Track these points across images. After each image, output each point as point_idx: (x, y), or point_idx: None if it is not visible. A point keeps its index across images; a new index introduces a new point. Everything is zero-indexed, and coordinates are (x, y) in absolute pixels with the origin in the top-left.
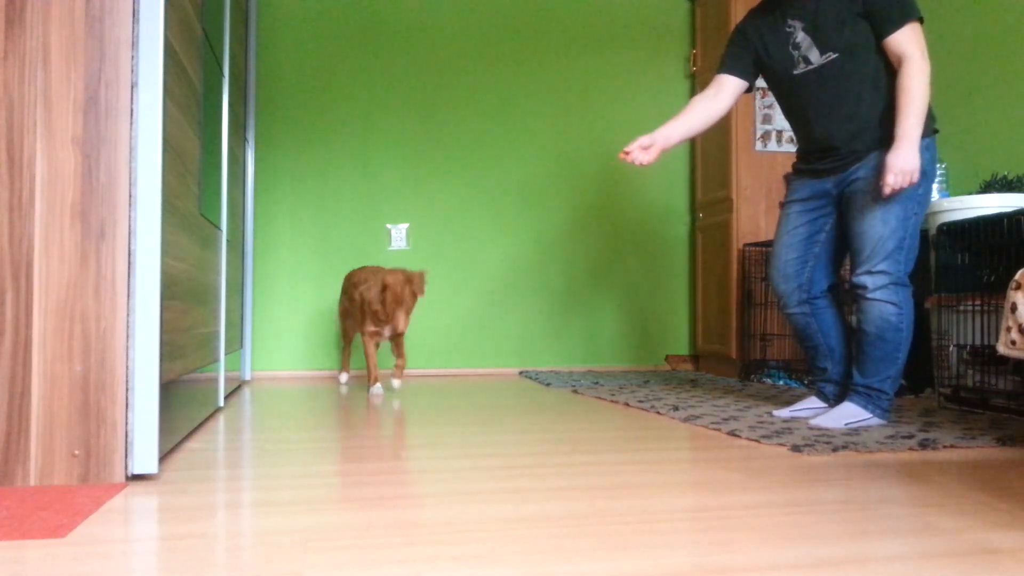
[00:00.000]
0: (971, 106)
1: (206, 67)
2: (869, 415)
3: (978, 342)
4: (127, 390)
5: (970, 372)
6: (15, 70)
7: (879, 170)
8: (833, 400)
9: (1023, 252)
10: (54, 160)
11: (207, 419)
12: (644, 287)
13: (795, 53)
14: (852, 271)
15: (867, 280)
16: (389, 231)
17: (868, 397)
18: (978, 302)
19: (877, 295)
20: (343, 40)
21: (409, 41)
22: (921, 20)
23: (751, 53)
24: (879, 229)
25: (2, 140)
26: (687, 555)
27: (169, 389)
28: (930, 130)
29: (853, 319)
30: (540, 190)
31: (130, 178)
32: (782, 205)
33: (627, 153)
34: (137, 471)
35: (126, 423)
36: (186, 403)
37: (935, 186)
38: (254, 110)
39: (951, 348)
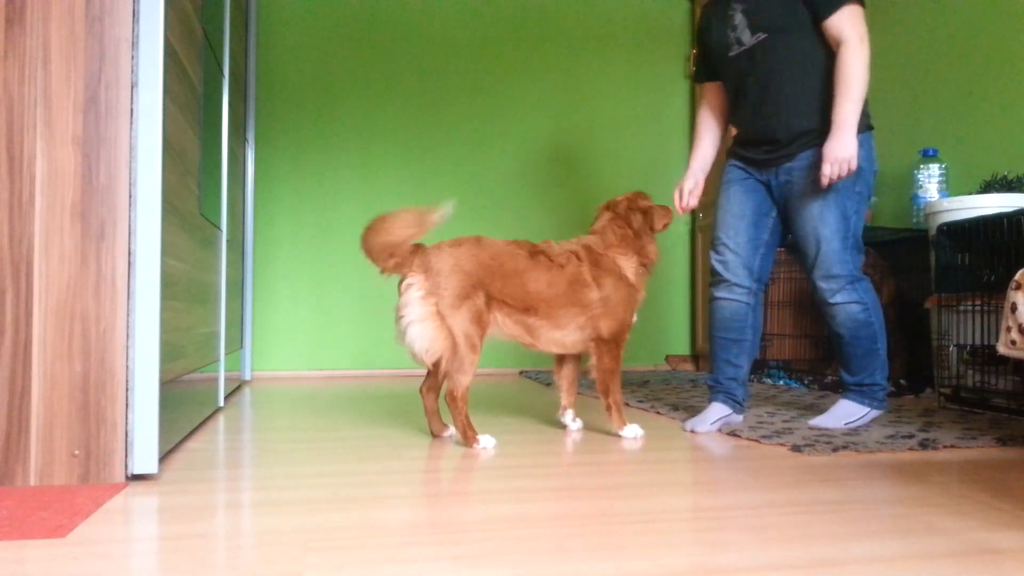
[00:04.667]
0: (971, 106)
1: (206, 67)
2: (867, 409)
3: (978, 342)
4: (127, 390)
5: (970, 372)
6: (15, 70)
7: (814, 168)
8: (743, 405)
9: (1023, 252)
10: (54, 160)
11: (207, 419)
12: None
13: (732, 34)
14: (807, 274)
15: (823, 286)
16: None
17: (861, 393)
18: (978, 302)
19: (839, 299)
20: (343, 40)
21: (409, 41)
22: (861, 3)
23: (706, 49)
24: (820, 231)
25: (2, 140)
26: (687, 555)
27: (169, 389)
28: (864, 126)
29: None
30: (540, 190)
31: (130, 178)
32: (720, 188)
33: (683, 209)
34: (137, 471)
35: (126, 423)
36: (186, 403)
37: (932, 188)
38: (254, 110)
39: (951, 348)
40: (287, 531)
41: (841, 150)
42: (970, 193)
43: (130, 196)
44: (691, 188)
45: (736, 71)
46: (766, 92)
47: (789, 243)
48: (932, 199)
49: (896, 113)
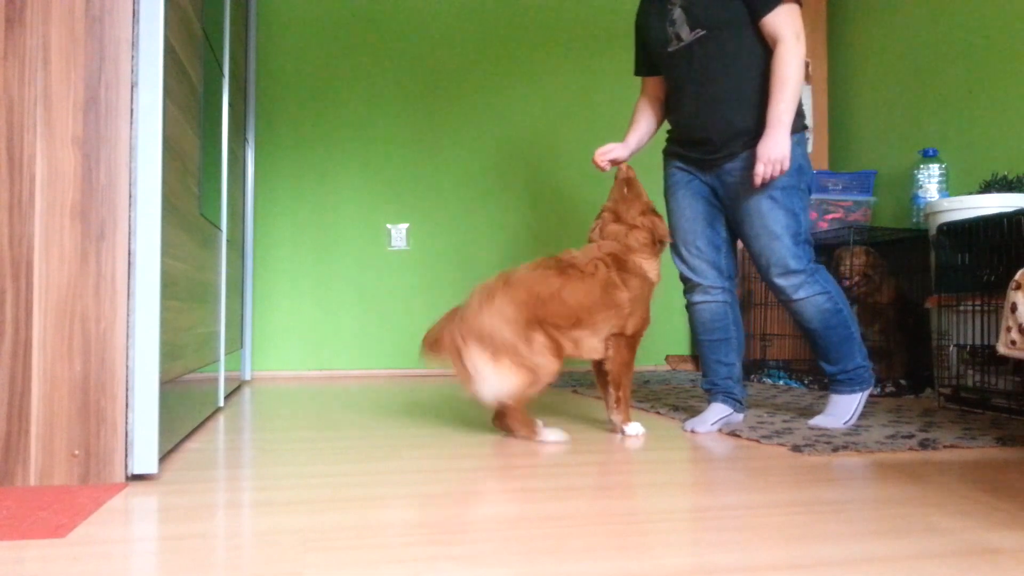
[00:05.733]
0: (971, 106)
1: (206, 67)
2: (859, 394)
3: (978, 342)
4: (127, 390)
5: (970, 372)
6: (15, 70)
7: (751, 167)
8: (742, 403)
9: (1023, 252)
10: (54, 160)
11: (207, 419)
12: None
13: (670, 30)
14: (762, 276)
15: (783, 283)
16: (389, 231)
17: (850, 381)
18: (978, 302)
19: (802, 294)
20: (343, 40)
21: (409, 42)
22: (799, 1)
23: (644, 44)
24: (772, 228)
25: (2, 140)
26: (687, 555)
27: (169, 389)
28: (799, 126)
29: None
30: (540, 190)
31: (130, 178)
32: (666, 193)
33: (600, 156)
34: (137, 471)
35: (126, 423)
36: (186, 403)
37: (932, 188)
38: (254, 110)
39: (951, 348)
40: (287, 531)
41: (774, 150)
42: (970, 193)
43: (130, 196)
44: (612, 152)
45: (674, 67)
46: (705, 89)
47: None
48: (932, 199)
49: (896, 113)
